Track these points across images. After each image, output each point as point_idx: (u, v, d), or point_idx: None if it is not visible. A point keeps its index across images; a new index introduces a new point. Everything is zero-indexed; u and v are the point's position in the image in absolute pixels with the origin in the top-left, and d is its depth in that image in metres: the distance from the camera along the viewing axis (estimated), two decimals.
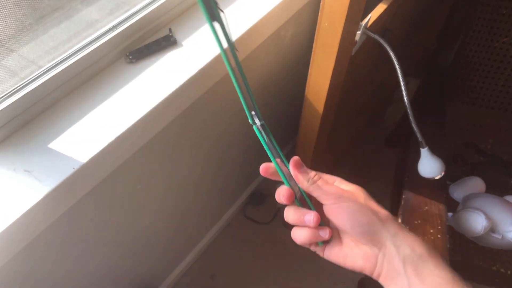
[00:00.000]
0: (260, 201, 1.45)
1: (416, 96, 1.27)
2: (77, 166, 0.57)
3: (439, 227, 0.85)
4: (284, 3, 0.79)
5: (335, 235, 0.39)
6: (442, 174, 0.85)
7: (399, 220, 0.87)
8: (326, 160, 1.25)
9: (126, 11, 0.70)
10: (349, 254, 0.37)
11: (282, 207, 1.49)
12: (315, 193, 0.38)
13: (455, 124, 1.15)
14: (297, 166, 0.39)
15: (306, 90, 0.82)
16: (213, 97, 0.84)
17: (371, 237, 0.35)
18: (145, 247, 1.01)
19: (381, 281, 0.36)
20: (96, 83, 0.67)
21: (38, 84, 0.60)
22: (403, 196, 0.89)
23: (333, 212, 0.37)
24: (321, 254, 0.40)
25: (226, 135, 1.03)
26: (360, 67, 0.91)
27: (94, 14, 0.71)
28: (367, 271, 0.36)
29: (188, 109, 0.74)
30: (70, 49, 0.64)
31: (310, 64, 0.76)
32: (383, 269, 0.35)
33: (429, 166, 0.85)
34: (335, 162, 1.44)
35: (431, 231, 0.84)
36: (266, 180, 1.58)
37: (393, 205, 1.10)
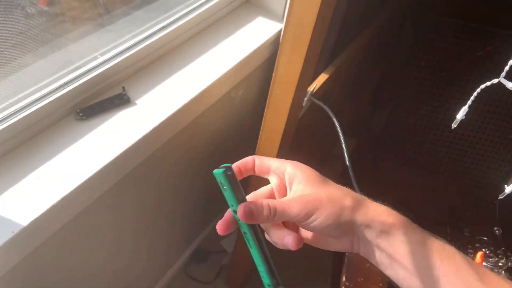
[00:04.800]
0: (203, 258, 1.40)
1: (352, 155, 1.35)
2: (16, 230, 0.53)
3: (380, 284, 0.88)
4: (235, 68, 0.84)
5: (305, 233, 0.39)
6: None
7: (344, 279, 0.89)
8: None
9: (77, 68, 0.70)
10: (325, 244, 0.38)
11: (225, 265, 1.45)
12: (282, 220, 0.37)
13: (388, 182, 1.24)
14: (249, 217, 0.35)
15: (256, 151, 0.85)
16: (162, 155, 0.83)
17: (343, 233, 0.36)
18: None
19: (362, 255, 0.37)
20: (42, 140, 0.64)
21: None
22: (346, 254, 0.93)
23: (304, 227, 0.37)
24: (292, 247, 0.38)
25: (171, 191, 1.01)
26: (304, 129, 0.97)
27: (42, 69, 0.69)
28: (347, 251, 0.38)
29: (137, 167, 0.73)
30: (15, 105, 0.61)
31: (261, 128, 0.80)
32: (360, 247, 0.37)
33: None
34: None
35: None
36: (209, 235, 1.54)
37: (336, 262, 1.13)
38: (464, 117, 0.62)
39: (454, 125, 0.62)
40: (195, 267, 1.39)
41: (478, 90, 0.54)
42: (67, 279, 0.79)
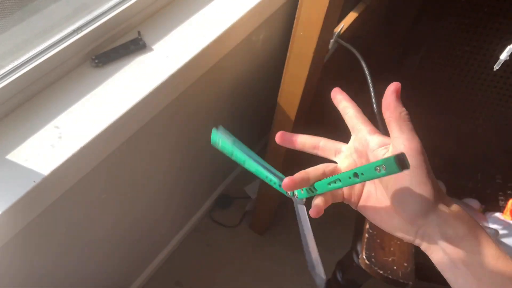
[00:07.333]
0: (228, 204, 1.43)
1: (380, 101, 1.30)
2: (38, 179, 0.53)
3: None
4: (256, 9, 0.78)
5: (371, 193, 0.37)
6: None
7: (367, 226, 0.88)
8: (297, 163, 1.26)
9: (91, 12, 0.66)
10: (387, 221, 0.36)
11: (249, 210, 1.47)
12: (398, 133, 0.35)
13: (418, 128, 1.19)
14: (396, 93, 0.35)
15: (278, 97, 0.81)
16: (183, 102, 0.81)
17: (418, 218, 0.33)
18: (107, 253, 0.97)
19: (422, 249, 0.35)
20: (59, 88, 0.63)
21: None
22: None
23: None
24: (353, 206, 0.39)
25: (196, 138, 1.00)
26: (330, 74, 0.92)
27: (57, 14, 0.67)
28: (404, 240, 0.35)
29: (158, 114, 0.71)
30: (30, 52, 0.59)
31: (284, 72, 0.75)
32: (422, 242, 0.34)
33: None
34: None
35: None
36: (233, 182, 1.55)
37: None
38: (508, 58, 0.56)
39: (496, 67, 0.57)
40: (220, 212, 1.42)
41: None
42: (94, 226, 0.82)
